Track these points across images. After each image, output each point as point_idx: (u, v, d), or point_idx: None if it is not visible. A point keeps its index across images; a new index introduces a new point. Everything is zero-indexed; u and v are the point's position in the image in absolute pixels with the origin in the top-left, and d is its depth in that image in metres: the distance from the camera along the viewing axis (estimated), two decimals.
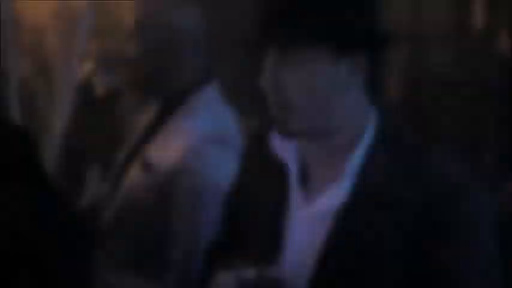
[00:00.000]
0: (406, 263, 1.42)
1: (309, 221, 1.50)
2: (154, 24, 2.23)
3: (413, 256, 1.42)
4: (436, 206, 1.42)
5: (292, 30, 1.44)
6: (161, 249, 2.13)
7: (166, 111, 2.26)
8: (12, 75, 3.14)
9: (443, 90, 3.92)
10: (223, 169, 2.03)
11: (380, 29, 1.49)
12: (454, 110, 3.92)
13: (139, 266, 2.17)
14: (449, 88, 3.91)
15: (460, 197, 1.43)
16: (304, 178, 1.54)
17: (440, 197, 1.42)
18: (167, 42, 2.23)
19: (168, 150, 2.17)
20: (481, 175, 3.70)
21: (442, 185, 1.43)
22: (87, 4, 3.23)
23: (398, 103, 4.16)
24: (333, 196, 1.47)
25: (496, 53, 3.89)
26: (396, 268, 1.41)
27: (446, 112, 3.94)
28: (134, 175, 2.22)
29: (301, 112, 1.46)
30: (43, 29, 3.58)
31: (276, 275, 1.44)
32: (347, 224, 1.45)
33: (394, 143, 1.48)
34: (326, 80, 1.45)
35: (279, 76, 1.46)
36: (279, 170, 1.56)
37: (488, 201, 1.49)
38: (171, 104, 2.25)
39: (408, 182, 1.43)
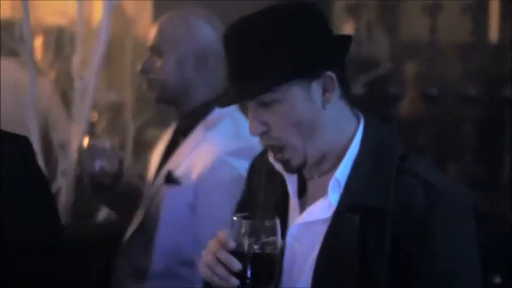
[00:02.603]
0: (391, 268, 1.46)
1: (298, 230, 1.57)
2: (181, 41, 2.24)
3: (397, 262, 1.46)
4: (417, 213, 1.46)
5: (260, 83, 1.49)
6: (188, 258, 2.15)
7: (188, 125, 2.28)
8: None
9: (459, 103, 3.92)
10: (245, 178, 2.05)
11: (334, 43, 1.54)
12: (471, 121, 3.92)
13: (167, 276, 2.19)
14: (465, 100, 3.90)
15: (440, 204, 1.46)
16: (302, 190, 1.60)
17: (421, 204, 1.46)
18: (194, 58, 2.25)
19: (192, 164, 2.18)
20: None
21: (422, 194, 1.47)
22: (105, 20, 3.24)
23: (413, 116, 4.17)
24: (318, 208, 1.54)
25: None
26: (381, 273, 1.46)
27: (463, 124, 3.93)
28: (158, 187, 2.24)
29: (298, 147, 1.52)
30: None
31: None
32: (335, 233, 1.51)
33: (376, 153, 1.54)
34: (306, 108, 1.50)
35: (263, 121, 1.51)
36: (282, 183, 1.62)
37: (465, 197, 1.52)
38: (193, 118, 2.27)
39: (389, 191, 1.49)
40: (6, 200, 1.46)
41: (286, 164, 1.55)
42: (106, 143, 2.23)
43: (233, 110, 2.27)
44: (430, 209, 1.47)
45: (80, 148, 2.22)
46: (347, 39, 1.57)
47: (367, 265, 1.48)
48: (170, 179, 2.20)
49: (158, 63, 2.25)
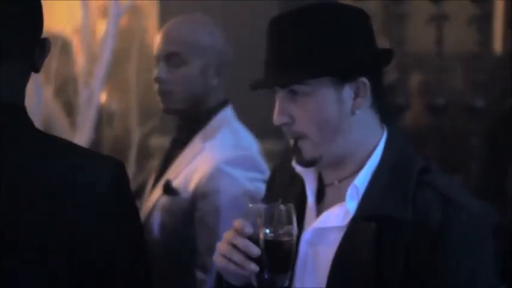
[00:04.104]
0: (404, 280, 1.46)
1: (312, 235, 1.57)
2: (205, 49, 2.21)
3: (410, 274, 1.45)
4: (432, 226, 1.46)
5: (295, 73, 1.51)
6: (184, 269, 2.14)
7: (186, 135, 2.26)
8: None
9: (465, 113, 3.91)
10: (244, 187, 2.04)
11: (376, 53, 1.56)
12: (477, 131, 3.90)
13: (165, 285, 2.17)
14: (471, 111, 3.89)
15: (456, 219, 1.46)
16: (321, 196, 1.62)
17: (437, 218, 1.46)
18: (215, 66, 2.23)
19: (190, 174, 2.17)
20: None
21: (439, 207, 1.47)
22: (110, 27, 3.24)
23: (419, 127, 4.15)
24: (335, 214, 1.54)
25: None
26: (395, 284, 1.46)
27: (469, 134, 3.92)
28: (157, 198, 2.22)
29: (314, 142, 1.53)
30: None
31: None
32: (350, 241, 1.50)
33: (397, 165, 1.53)
34: (334, 108, 1.52)
35: (288, 112, 1.53)
36: (302, 187, 1.63)
37: (483, 216, 1.51)
38: (192, 128, 2.25)
39: (407, 203, 1.48)
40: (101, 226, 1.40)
41: (298, 154, 1.55)
42: None
43: (232, 119, 2.26)
44: (445, 223, 1.46)
45: None
46: (388, 52, 1.59)
47: (382, 275, 1.46)
48: (168, 189, 2.19)
49: (180, 71, 2.21)
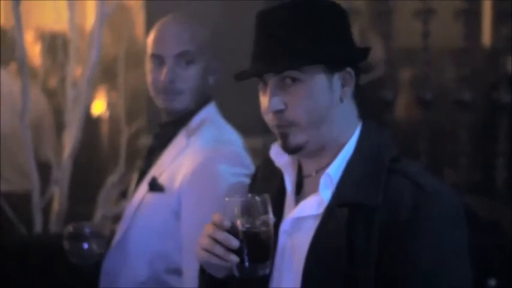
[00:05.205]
0: (377, 266, 1.49)
1: (290, 225, 1.62)
2: (208, 47, 2.22)
3: (383, 259, 1.49)
4: (403, 213, 1.49)
5: (293, 58, 1.55)
6: (173, 266, 2.15)
7: (168, 133, 2.27)
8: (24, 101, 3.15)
9: (453, 107, 3.92)
10: (229, 182, 2.05)
11: (357, 47, 1.64)
12: (465, 125, 3.92)
13: (153, 284, 2.18)
14: (459, 104, 3.90)
15: (426, 205, 1.49)
16: (300, 188, 1.66)
17: (408, 204, 1.49)
18: (214, 64, 2.24)
19: (176, 171, 2.18)
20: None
21: (410, 194, 1.50)
22: (97, 29, 3.24)
23: (408, 120, 4.16)
24: (310, 204, 1.59)
25: (505, 70, 3.88)
26: (368, 271, 1.49)
27: (458, 128, 3.93)
28: (142, 195, 2.23)
29: (305, 126, 1.57)
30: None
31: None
32: (324, 229, 1.54)
33: (370, 154, 1.58)
34: (325, 96, 1.57)
35: (279, 100, 1.57)
36: (282, 179, 1.68)
37: (454, 203, 1.53)
38: (174, 126, 2.26)
39: (379, 190, 1.52)
40: None
41: (285, 140, 1.59)
42: (91, 225, 2.20)
43: (215, 115, 2.26)
44: (416, 209, 1.49)
45: (65, 233, 2.18)
46: (366, 48, 1.65)
47: (354, 261, 1.49)
48: (154, 186, 2.19)
49: (190, 70, 2.22)
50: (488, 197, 3.86)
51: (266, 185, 1.70)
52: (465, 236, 1.52)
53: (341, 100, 1.59)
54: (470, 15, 3.94)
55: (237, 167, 2.13)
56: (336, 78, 1.58)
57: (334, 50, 1.56)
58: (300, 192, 1.66)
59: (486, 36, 4.32)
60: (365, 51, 1.64)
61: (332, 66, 1.57)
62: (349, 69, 1.59)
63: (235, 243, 1.50)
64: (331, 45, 1.56)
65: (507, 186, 3.80)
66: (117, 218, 2.49)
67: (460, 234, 1.51)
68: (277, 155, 1.67)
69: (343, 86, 1.59)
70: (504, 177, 3.82)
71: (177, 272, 2.16)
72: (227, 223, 1.51)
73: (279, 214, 1.62)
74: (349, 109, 1.62)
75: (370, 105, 3.94)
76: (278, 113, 1.57)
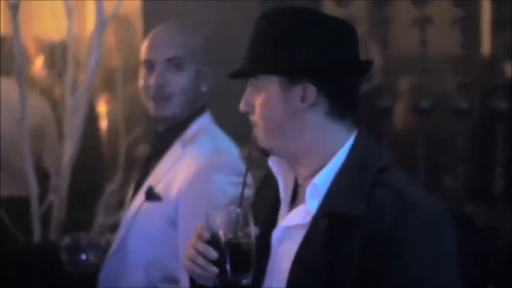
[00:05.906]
0: (359, 276, 1.49)
1: (281, 233, 1.64)
2: (199, 53, 2.23)
3: (365, 270, 1.49)
4: (385, 224, 1.49)
5: (247, 66, 1.61)
6: (170, 274, 2.16)
7: (164, 142, 2.28)
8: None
9: (451, 115, 3.93)
10: (226, 192, 2.06)
11: (329, 60, 1.58)
12: (463, 133, 3.93)
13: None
14: (457, 112, 3.91)
15: (407, 216, 1.50)
16: (295, 196, 1.68)
17: (390, 215, 1.50)
18: (206, 70, 2.25)
19: (172, 180, 2.18)
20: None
21: (392, 205, 1.51)
22: (96, 37, 3.25)
23: (405, 128, 4.17)
24: (298, 213, 1.61)
25: (503, 78, 3.89)
26: (349, 282, 1.50)
27: (456, 136, 3.94)
28: (139, 205, 2.24)
29: (264, 132, 1.63)
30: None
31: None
32: (309, 239, 1.56)
33: (359, 165, 1.58)
34: (278, 106, 1.60)
35: (249, 102, 1.64)
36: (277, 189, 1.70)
37: (438, 213, 1.53)
38: (169, 135, 2.27)
39: (362, 200, 1.53)
40: None
41: (256, 140, 1.66)
42: (88, 236, 2.21)
43: (210, 125, 2.27)
44: (397, 220, 1.49)
45: (62, 245, 2.20)
46: (366, 63, 1.63)
47: (335, 272, 1.50)
48: (151, 195, 2.20)
49: (180, 76, 2.23)
50: (486, 204, 3.86)
51: (268, 191, 1.74)
52: (449, 245, 1.51)
53: (300, 113, 1.59)
54: (468, 23, 3.95)
55: (233, 176, 2.13)
56: (295, 91, 1.58)
57: (287, 63, 1.57)
58: (295, 201, 1.67)
59: (484, 44, 4.33)
60: (347, 66, 1.60)
61: (287, 78, 1.58)
62: (308, 84, 1.57)
63: (214, 254, 1.54)
64: (285, 57, 1.57)
65: (505, 193, 3.81)
66: (114, 228, 2.50)
67: (446, 244, 1.51)
68: (274, 163, 1.70)
69: (302, 99, 1.58)
70: (502, 185, 3.83)
71: (174, 280, 2.16)
72: (206, 235, 1.56)
73: (274, 221, 1.65)
74: (322, 124, 1.60)
75: (368, 114, 3.97)
76: (248, 114, 1.65)
